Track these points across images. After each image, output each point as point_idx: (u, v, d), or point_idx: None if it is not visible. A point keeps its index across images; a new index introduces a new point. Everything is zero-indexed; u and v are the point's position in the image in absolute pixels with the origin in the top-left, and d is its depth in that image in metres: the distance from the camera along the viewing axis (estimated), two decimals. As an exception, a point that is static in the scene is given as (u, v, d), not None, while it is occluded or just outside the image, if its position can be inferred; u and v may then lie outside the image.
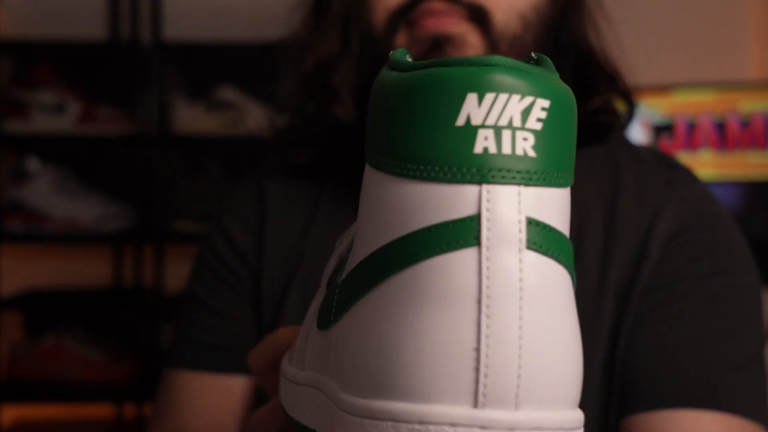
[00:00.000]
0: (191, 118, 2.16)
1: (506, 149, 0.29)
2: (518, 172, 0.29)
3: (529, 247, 0.29)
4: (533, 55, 0.35)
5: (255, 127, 2.07)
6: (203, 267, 0.74)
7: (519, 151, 0.29)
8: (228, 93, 2.16)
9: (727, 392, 0.59)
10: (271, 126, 0.76)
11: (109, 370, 2.09)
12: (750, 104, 1.91)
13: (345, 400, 0.32)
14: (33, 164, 2.12)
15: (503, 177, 0.29)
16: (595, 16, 0.72)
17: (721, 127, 1.92)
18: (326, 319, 0.37)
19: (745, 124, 1.90)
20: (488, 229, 0.29)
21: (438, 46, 0.64)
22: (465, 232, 0.29)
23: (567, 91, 0.31)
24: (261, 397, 0.70)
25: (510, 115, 0.29)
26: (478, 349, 0.29)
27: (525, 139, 0.29)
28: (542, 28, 0.67)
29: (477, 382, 0.29)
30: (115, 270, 2.28)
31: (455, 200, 0.30)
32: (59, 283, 2.26)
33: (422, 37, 0.65)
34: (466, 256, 0.29)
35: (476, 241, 0.29)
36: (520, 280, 0.29)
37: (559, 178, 0.30)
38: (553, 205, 0.30)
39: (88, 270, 2.29)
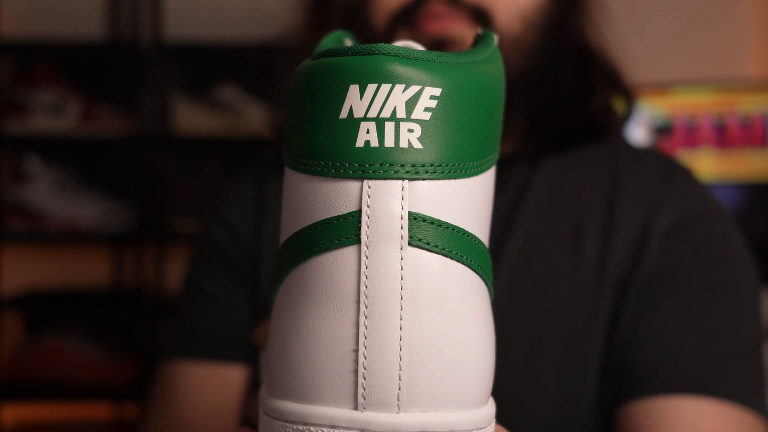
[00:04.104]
0: (191, 118, 2.16)
1: (389, 142, 0.28)
2: (402, 165, 0.28)
3: (413, 244, 0.28)
4: (479, 31, 0.34)
5: (255, 126, 2.07)
6: (203, 257, 0.74)
7: (403, 144, 0.28)
8: (228, 93, 2.16)
9: (725, 380, 0.59)
10: (271, 123, 0.77)
11: (109, 370, 2.09)
12: (749, 104, 1.91)
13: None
14: (33, 164, 2.12)
15: (385, 171, 0.28)
16: (595, 15, 0.73)
17: (720, 126, 1.92)
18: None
19: (745, 123, 1.90)
20: (368, 226, 0.28)
21: (439, 48, 0.64)
22: (346, 229, 0.29)
23: (468, 76, 0.30)
24: (258, 383, 0.70)
25: (393, 106, 0.28)
26: (356, 351, 0.28)
27: (410, 130, 0.29)
28: (544, 28, 0.67)
29: (356, 384, 0.28)
30: (115, 270, 2.28)
31: (339, 196, 0.29)
32: (59, 283, 2.27)
33: (423, 39, 0.65)
34: (346, 254, 0.29)
35: (356, 239, 0.29)
36: (402, 278, 0.28)
37: (459, 169, 0.29)
38: (450, 199, 0.29)
39: (88, 270, 2.29)
